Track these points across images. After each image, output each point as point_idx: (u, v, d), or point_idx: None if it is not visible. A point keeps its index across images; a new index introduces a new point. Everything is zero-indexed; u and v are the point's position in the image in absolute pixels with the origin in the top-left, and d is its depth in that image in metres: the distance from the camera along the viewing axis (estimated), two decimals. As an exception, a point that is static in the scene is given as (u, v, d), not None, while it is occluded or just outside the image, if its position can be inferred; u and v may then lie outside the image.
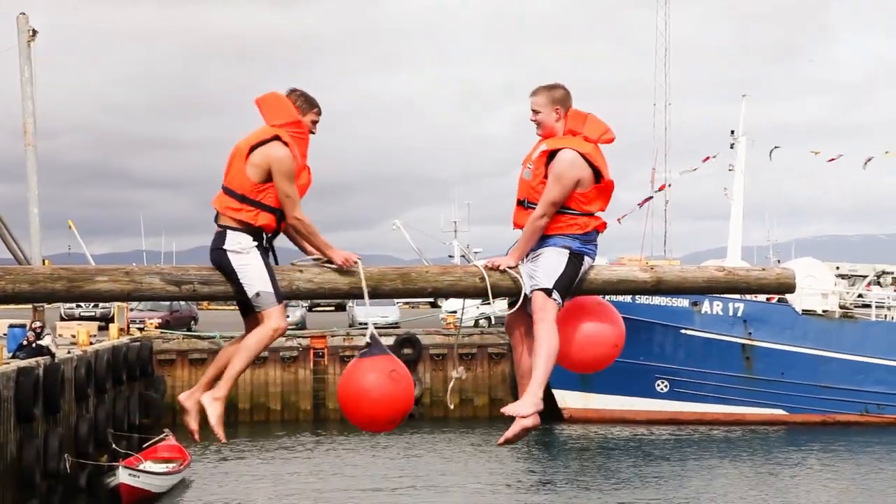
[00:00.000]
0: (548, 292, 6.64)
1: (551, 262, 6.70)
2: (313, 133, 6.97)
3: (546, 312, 6.62)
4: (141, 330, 41.27)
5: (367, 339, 6.72)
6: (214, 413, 7.06)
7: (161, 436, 30.39)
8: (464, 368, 7.28)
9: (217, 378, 7.14)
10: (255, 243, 6.69)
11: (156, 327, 42.26)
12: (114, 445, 29.19)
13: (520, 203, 6.89)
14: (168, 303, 46.73)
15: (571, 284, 6.75)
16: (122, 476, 25.51)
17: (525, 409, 6.63)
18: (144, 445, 29.91)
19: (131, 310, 42.76)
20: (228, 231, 6.69)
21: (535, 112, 6.90)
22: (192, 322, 50.90)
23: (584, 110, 6.96)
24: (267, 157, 6.64)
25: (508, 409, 6.70)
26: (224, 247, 6.67)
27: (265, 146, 6.66)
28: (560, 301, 6.68)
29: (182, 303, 48.64)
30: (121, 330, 38.50)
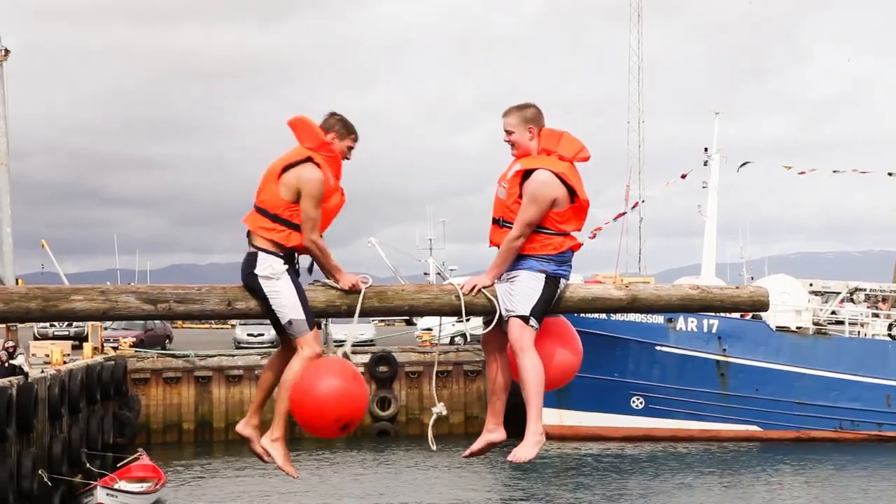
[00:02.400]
0: (525, 319, 6.66)
1: (527, 288, 6.71)
2: (348, 159, 7.01)
3: (524, 341, 6.64)
4: (115, 349, 41.07)
5: (340, 356, 6.75)
6: (279, 455, 7.10)
7: (135, 455, 30.25)
8: (444, 405, 7.23)
9: (264, 401, 7.19)
10: (286, 267, 6.70)
11: (130, 346, 42.08)
12: (88, 465, 29.02)
13: (495, 222, 6.91)
14: (142, 321, 46.57)
15: (548, 308, 6.77)
16: (100, 496, 25.39)
17: (529, 453, 6.68)
18: (119, 465, 29.75)
19: (105, 328, 42.56)
20: (260, 254, 6.69)
21: (509, 132, 6.92)
22: (167, 341, 50.69)
23: (558, 128, 6.99)
24: (298, 177, 6.68)
25: (514, 458, 6.73)
26: (255, 271, 6.68)
27: (298, 167, 6.70)
28: (537, 327, 6.71)
29: (156, 321, 48.46)
30: (95, 349, 38.31)
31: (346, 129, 6.96)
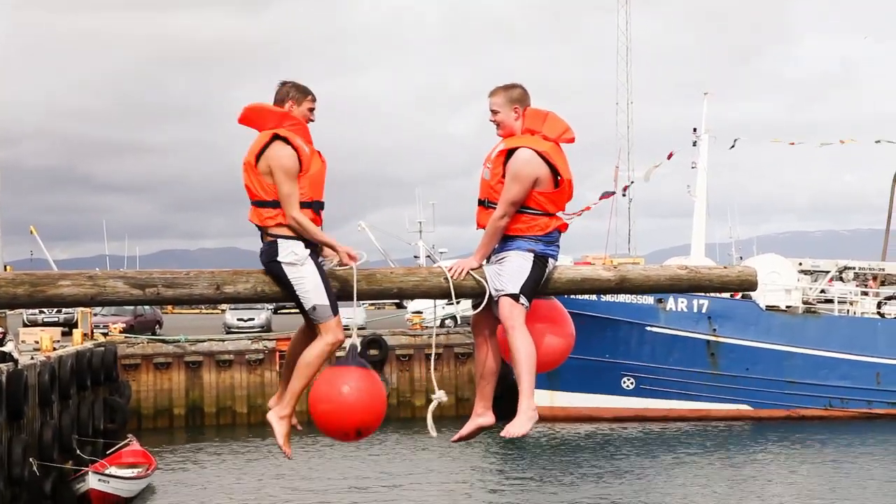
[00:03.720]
0: (515, 297, 6.67)
1: (516, 267, 6.73)
2: (311, 121, 6.96)
3: (515, 319, 6.66)
4: (105, 335, 41.00)
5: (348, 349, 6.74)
6: (281, 432, 7.05)
7: (125, 441, 30.22)
8: (444, 392, 7.22)
9: (288, 382, 7.10)
10: (308, 250, 6.68)
11: (120, 332, 42.02)
12: (78, 451, 28.99)
13: (481, 203, 6.92)
14: (132, 307, 46.49)
15: (537, 287, 6.78)
16: (92, 481, 25.37)
17: (522, 428, 6.71)
18: (109, 451, 29.72)
19: (95, 314, 42.48)
20: (280, 241, 6.66)
21: (494, 112, 6.92)
22: (157, 326, 50.60)
23: (543, 109, 6.98)
24: (268, 159, 6.66)
25: (507, 433, 6.75)
26: (279, 259, 6.65)
27: (267, 150, 6.67)
28: (527, 305, 6.71)
29: (146, 307, 48.37)
30: (84, 335, 38.23)
31: (300, 92, 6.91)
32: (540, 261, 6.77)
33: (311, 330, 6.87)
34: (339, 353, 6.80)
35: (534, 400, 6.80)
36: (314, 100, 6.97)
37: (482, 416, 7.09)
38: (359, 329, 44.49)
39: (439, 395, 7.09)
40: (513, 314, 6.66)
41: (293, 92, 6.90)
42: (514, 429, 6.74)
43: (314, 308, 6.64)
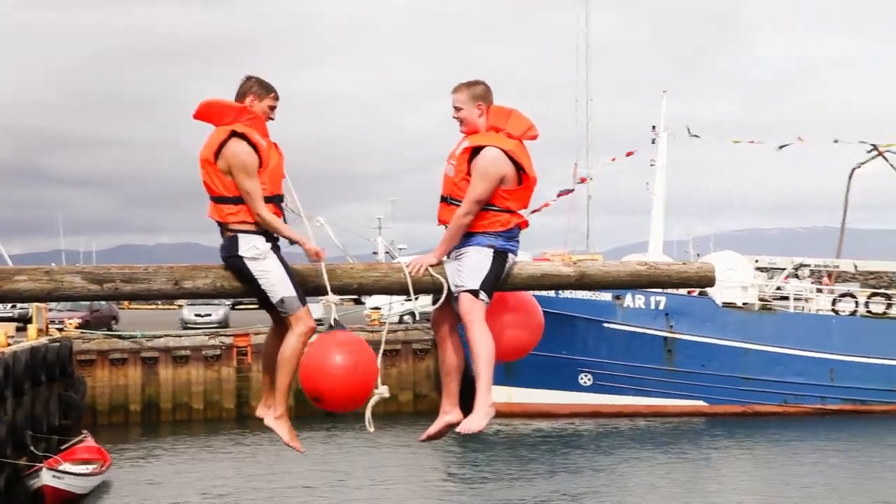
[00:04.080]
0: (475, 293, 6.67)
1: (476, 262, 6.73)
2: (271, 119, 6.94)
3: (474, 314, 6.66)
4: (60, 330, 40.66)
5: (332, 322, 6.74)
6: (284, 432, 7.05)
7: (80, 437, 29.99)
8: (387, 387, 7.21)
9: (272, 385, 7.11)
10: (269, 244, 6.67)
11: (75, 327, 41.69)
12: (32, 448, 28.74)
13: (443, 199, 6.91)
14: (88, 302, 46.17)
15: (497, 282, 6.79)
16: (46, 478, 25.13)
17: (479, 423, 6.72)
18: (62, 447, 29.48)
19: (50, 310, 42.12)
20: (240, 235, 6.64)
21: (457, 109, 6.91)
22: (113, 321, 50.32)
23: (507, 106, 6.98)
24: (226, 156, 6.62)
25: (463, 429, 6.76)
26: (240, 253, 6.62)
27: (225, 146, 6.63)
28: (487, 300, 6.72)
29: (102, 302, 48.07)
30: (39, 330, 37.85)
31: (263, 88, 6.89)
32: (500, 256, 6.79)
33: (280, 326, 6.86)
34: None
35: (491, 395, 6.81)
36: (276, 98, 6.95)
37: (449, 413, 7.10)
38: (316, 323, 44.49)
39: (382, 391, 7.06)
40: (472, 310, 6.67)
41: (256, 87, 6.88)
42: (470, 424, 6.76)
43: (282, 301, 6.64)
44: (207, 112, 6.81)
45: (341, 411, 6.88)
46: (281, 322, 6.84)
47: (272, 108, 6.93)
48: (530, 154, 6.92)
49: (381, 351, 8.15)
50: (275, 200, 6.76)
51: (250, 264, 6.60)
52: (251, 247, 6.62)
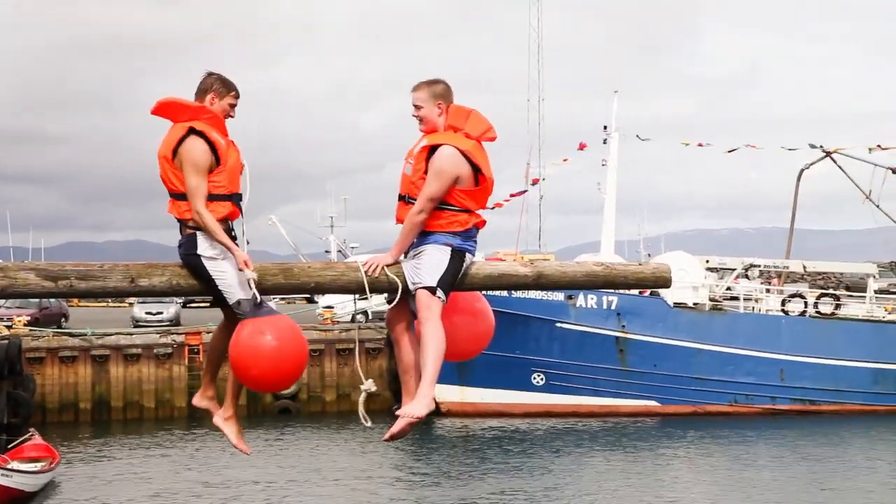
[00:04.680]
0: (432, 290, 6.69)
1: (434, 260, 6.75)
2: (231, 117, 6.91)
3: (431, 311, 6.67)
4: (9, 327, 40.27)
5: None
6: (232, 433, 7.04)
7: (27, 435, 29.70)
8: (372, 381, 7.24)
9: (215, 372, 7.12)
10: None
11: (24, 325, 41.28)
12: (-21, 446, 28.46)
13: (401, 198, 6.92)
14: (37, 300, 45.73)
15: (454, 281, 6.81)
16: (-6, 476, 24.87)
17: (419, 410, 6.73)
18: (10, 445, 29.19)
19: (-1, 307, 41.72)
20: (199, 234, 6.60)
21: (417, 107, 6.92)
22: (63, 319, 49.87)
23: (467, 106, 7.00)
24: (180, 153, 6.59)
25: (403, 412, 6.77)
26: (198, 252, 6.58)
27: (184, 144, 6.59)
28: (444, 298, 6.73)
29: (52, 299, 47.63)
30: (-12, 328, 37.54)
31: (224, 86, 6.87)
32: (457, 255, 6.81)
33: (231, 322, 6.83)
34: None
35: (434, 390, 6.84)
36: (237, 96, 6.93)
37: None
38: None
39: (368, 385, 7.12)
40: (429, 306, 6.68)
41: (217, 85, 6.85)
42: (412, 410, 6.77)
43: (238, 303, 6.61)
44: (166, 109, 6.78)
45: (272, 391, 6.98)
46: (232, 318, 6.82)
47: (232, 107, 6.91)
48: (488, 155, 6.95)
49: (357, 350, 8.12)
50: (233, 199, 6.74)
51: (208, 263, 6.58)
52: (209, 245, 6.59)
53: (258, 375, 6.58)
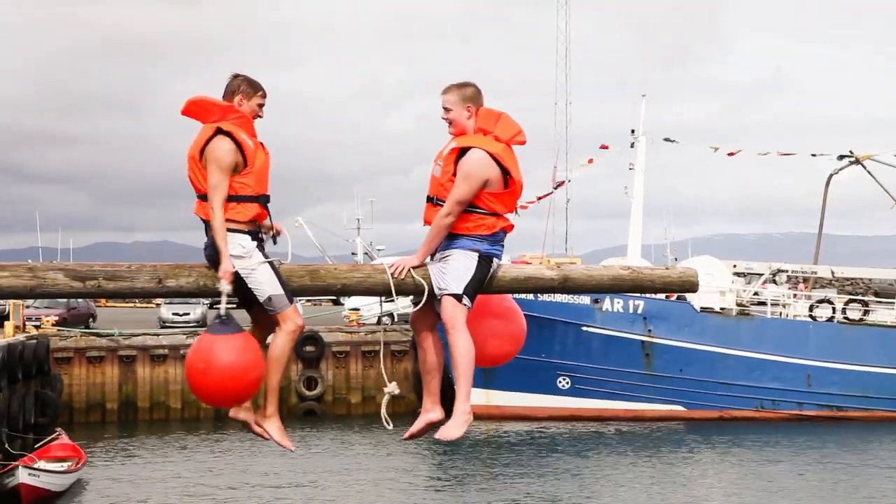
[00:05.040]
0: (458, 297, 6.67)
1: (461, 267, 6.73)
2: (260, 117, 6.94)
3: (457, 319, 6.66)
4: (37, 327, 40.50)
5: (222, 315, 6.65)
6: (275, 431, 7.04)
7: (54, 434, 29.86)
8: (396, 384, 7.26)
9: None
10: (255, 243, 6.67)
11: (53, 324, 41.51)
12: (6, 445, 28.62)
13: (429, 200, 6.91)
14: (65, 300, 45.97)
15: (480, 287, 6.79)
16: (22, 476, 25.00)
17: (457, 432, 6.75)
18: (37, 445, 29.36)
19: (27, 307, 41.93)
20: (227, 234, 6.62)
21: (447, 110, 6.90)
22: (91, 319, 50.09)
23: (496, 109, 6.98)
24: (206, 151, 6.63)
25: (442, 436, 6.77)
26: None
27: (210, 143, 6.63)
28: (469, 305, 6.72)
29: (80, 300, 47.86)
30: (16, 327, 37.76)
31: (251, 87, 6.88)
32: (485, 261, 6.79)
33: (259, 328, 6.87)
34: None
35: (469, 403, 6.83)
36: (264, 95, 6.95)
37: (431, 411, 7.11)
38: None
39: (391, 388, 7.14)
40: (455, 314, 6.67)
41: (244, 86, 6.87)
42: (449, 432, 6.78)
43: (270, 299, 6.63)
44: (195, 109, 6.81)
45: (222, 406, 6.94)
46: (260, 323, 6.85)
47: (260, 107, 6.93)
48: (517, 159, 6.93)
49: (382, 352, 8.14)
50: (260, 200, 6.76)
51: (237, 262, 6.60)
52: (237, 245, 6.61)
53: (198, 394, 6.62)
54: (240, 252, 6.60)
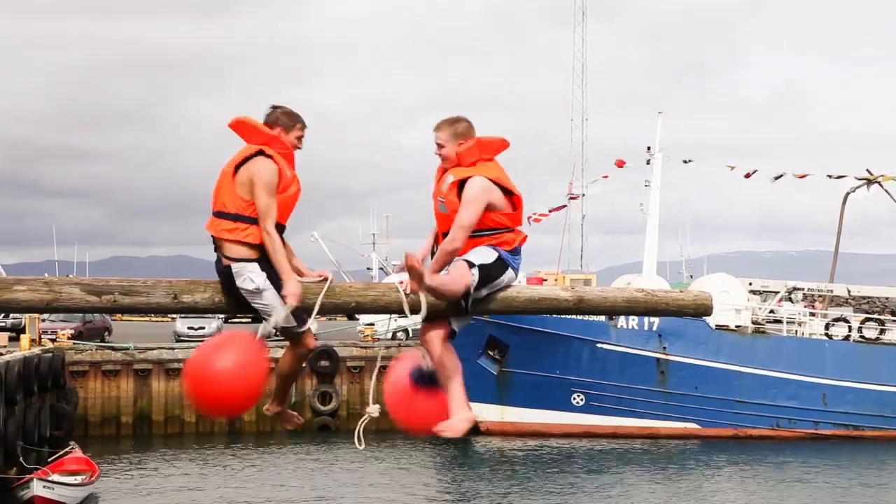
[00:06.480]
0: (471, 265, 6.72)
1: (482, 252, 6.83)
2: (299, 148, 6.99)
3: (461, 275, 6.68)
4: (53, 341, 40.62)
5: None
6: (286, 419, 7.68)
7: (68, 448, 29.92)
8: (378, 406, 7.32)
9: (282, 399, 7.53)
10: (265, 274, 6.67)
11: (68, 338, 41.62)
12: (21, 458, 28.70)
13: (444, 236, 6.97)
14: (81, 314, 46.13)
15: (490, 282, 6.83)
16: (37, 488, 25.11)
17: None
18: (50, 458, 29.43)
19: (43, 321, 42.06)
20: (234, 267, 6.67)
21: (440, 146, 7.02)
22: (106, 333, 50.20)
23: (469, 139, 7.03)
24: (250, 171, 6.66)
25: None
26: (238, 285, 6.67)
27: (249, 162, 6.68)
28: (476, 281, 6.72)
29: (95, 314, 47.99)
30: (32, 341, 37.88)
31: (291, 119, 6.94)
32: (501, 262, 6.86)
33: (293, 345, 7.05)
34: None
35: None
36: (303, 127, 6.99)
37: (466, 410, 7.12)
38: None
39: (372, 410, 7.18)
40: (462, 272, 6.67)
41: (283, 119, 6.92)
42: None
43: (283, 329, 6.70)
44: (244, 127, 6.90)
45: (223, 417, 7.16)
46: (292, 339, 6.99)
47: (299, 139, 6.99)
48: (507, 172, 7.06)
49: (377, 369, 8.15)
50: (279, 229, 6.81)
51: (249, 297, 6.68)
52: (247, 279, 6.65)
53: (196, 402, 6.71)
54: (252, 287, 6.65)
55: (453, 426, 6.86)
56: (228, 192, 6.70)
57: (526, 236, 7.07)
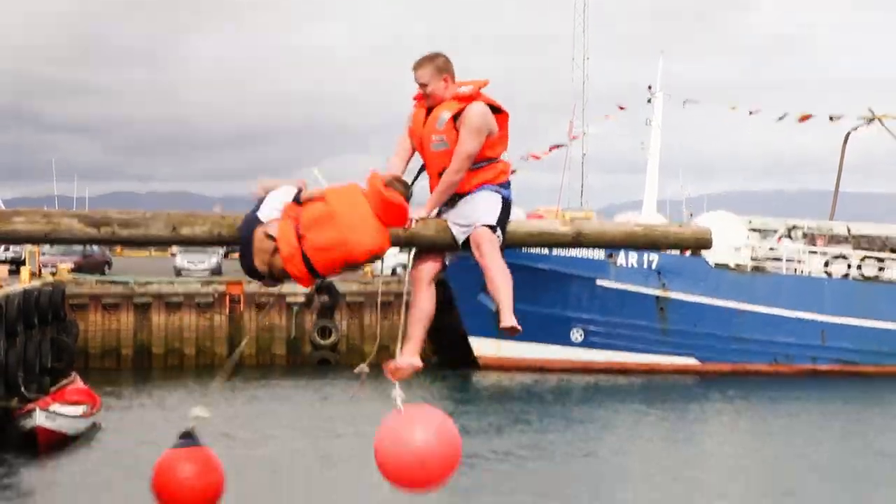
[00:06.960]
0: (492, 229, 6.67)
1: (490, 202, 6.73)
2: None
3: (494, 245, 6.63)
4: (53, 274, 40.69)
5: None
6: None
7: (69, 379, 30.04)
8: (365, 365, 7.31)
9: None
10: None
11: (68, 271, 41.69)
12: (23, 389, 28.84)
13: (439, 175, 6.84)
14: (81, 247, 46.17)
15: (506, 228, 6.79)
16: (39, 418, 25.19)
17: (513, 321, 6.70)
18: (52, 388, 29.56)
19: (43, 254, 42.12)
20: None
21: (424, 85, 6.84)
22: (106, 267, 50.30)
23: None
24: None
25: (506, 323, 6.73)
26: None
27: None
28: (502, 238, 6.71)
29: (95, 247, 48.04)
30: (32, 274, 37.94)
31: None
32: (507, 204, 6.81)
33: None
34: None
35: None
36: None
37: (414, 356, 7.09)
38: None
39: (361, 369, 7.22)
40: (493, 241, 6.63)
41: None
42: (509, 318, 6.75)
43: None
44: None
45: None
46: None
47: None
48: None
49: (379, 304, 8.13)
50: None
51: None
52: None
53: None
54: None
55: (401, 364, 6.88)
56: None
57: (510, 163, 6.94)
